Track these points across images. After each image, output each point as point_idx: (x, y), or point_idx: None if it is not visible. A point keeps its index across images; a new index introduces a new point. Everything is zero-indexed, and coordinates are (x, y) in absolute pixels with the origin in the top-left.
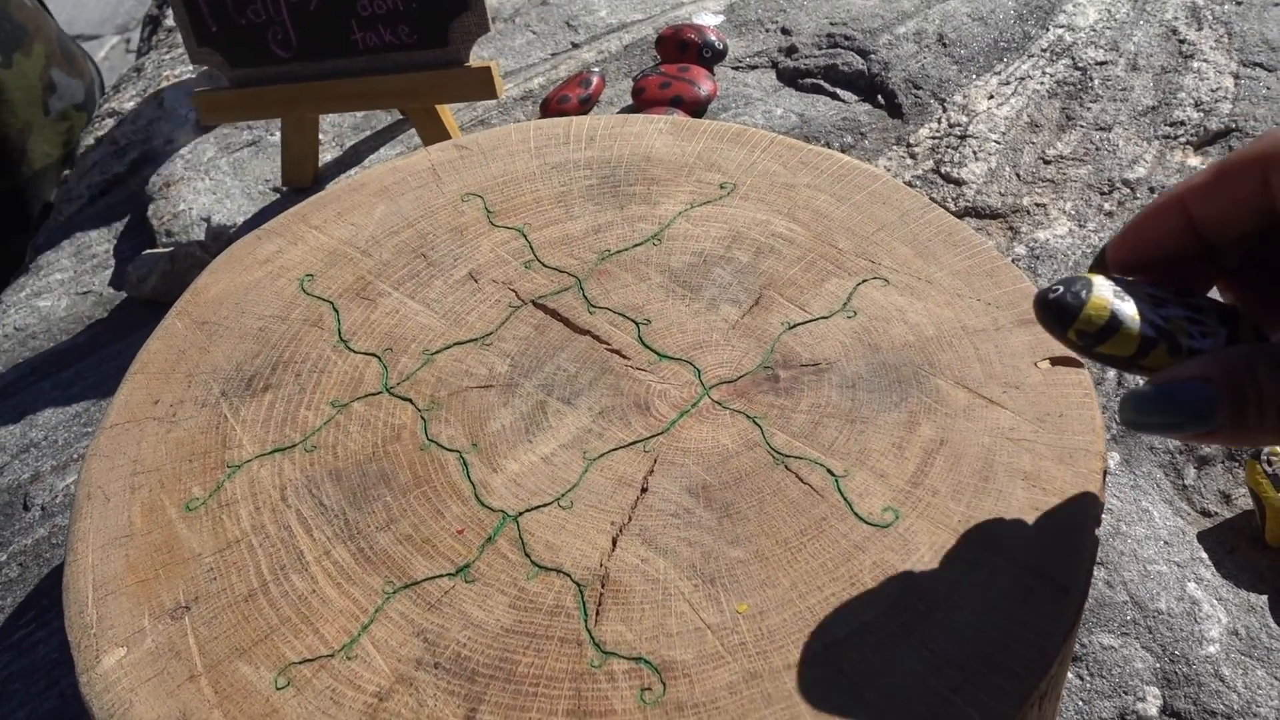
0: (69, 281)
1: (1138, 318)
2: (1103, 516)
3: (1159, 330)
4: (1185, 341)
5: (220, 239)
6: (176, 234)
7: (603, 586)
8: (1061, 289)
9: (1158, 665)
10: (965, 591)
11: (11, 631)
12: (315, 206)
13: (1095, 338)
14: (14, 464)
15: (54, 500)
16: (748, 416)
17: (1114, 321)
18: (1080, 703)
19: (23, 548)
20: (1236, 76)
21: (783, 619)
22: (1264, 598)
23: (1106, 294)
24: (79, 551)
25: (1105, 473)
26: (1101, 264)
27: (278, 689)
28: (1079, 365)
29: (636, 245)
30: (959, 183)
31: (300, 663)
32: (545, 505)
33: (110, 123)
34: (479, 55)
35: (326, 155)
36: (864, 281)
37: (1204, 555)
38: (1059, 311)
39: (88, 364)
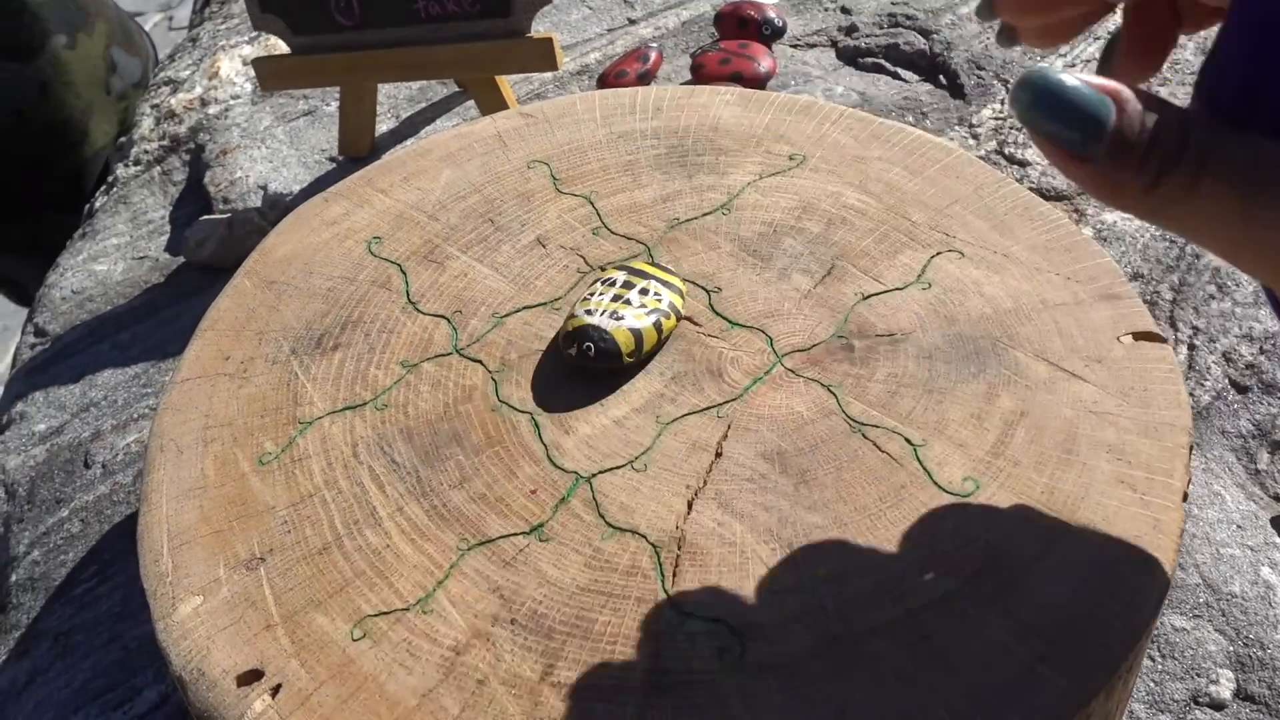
0: (125, 246)
1: None
2: None
3: None
4: None
5: (277, 206)
6: (233, 201)
7: (679, 549)
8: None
9: (1231, 648)
10: (1051, 562)
11: (73, 586)
12: (381, 171)
13: None
14: (74, 422)
15: (114, 458)
16: (822, 384)
17: None
18: (1152, 684)
19: (84, 504)
20: None
21: (864, 584)
22: None
23: None
24: (153, 502)
25: (1191, 448)
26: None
27: (354, 640)
28: (1162, 340)
29: (706, 214)
30: (1023, 164)
31: (376, 615)
32: (619, 467)
33: (166, 91)
34: (536, 28)
35: (382, 126)
36: (939, 254)
37: (1278, 540)
38: None
39: (145, 327)
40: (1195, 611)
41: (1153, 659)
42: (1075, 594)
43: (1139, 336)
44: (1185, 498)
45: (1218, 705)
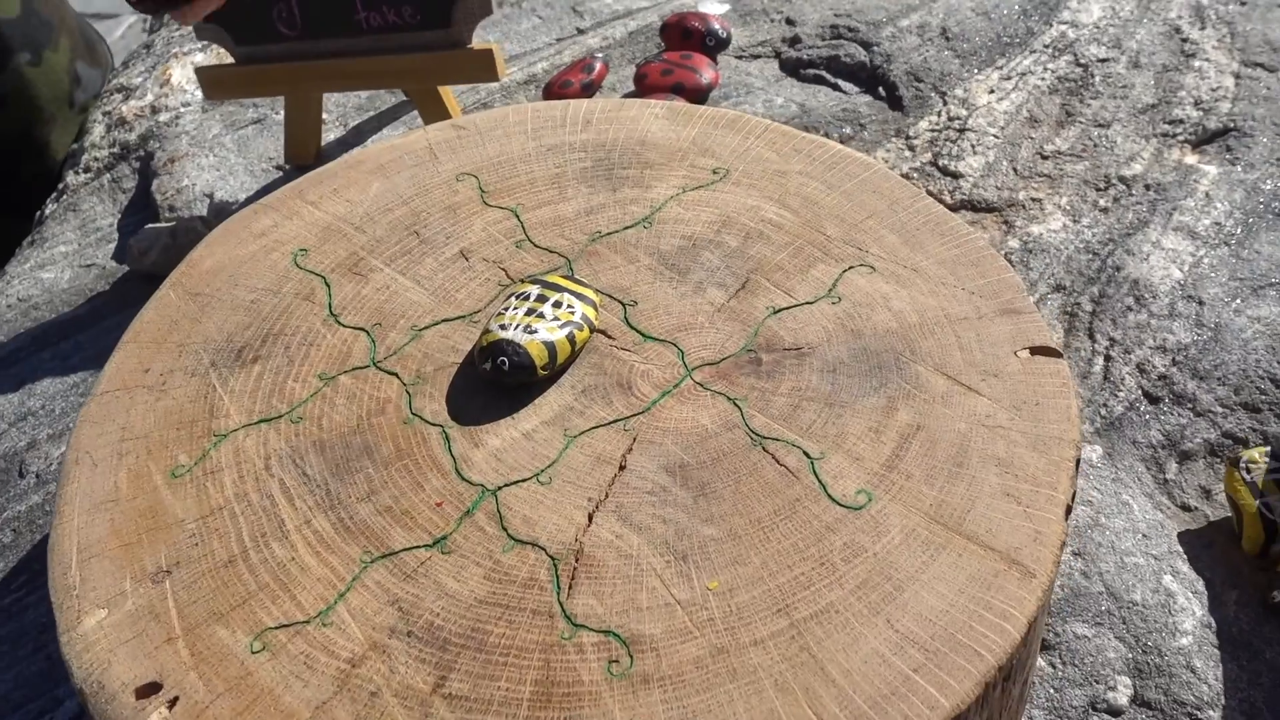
0: (73, 254)
1: None
2: (1083, 508)
3: None
4: None
5: (223, 214)
6: (179, 209)
7: (576, 561)
8: None
9: (1130, 655)
10: (933, 574)
11: (2, 596)
12: (312, 182)
13: None
14: (11, 432)
15: (49, 468)
16: (728, 398)
17: None
18: (1052, 690)
19: (16, 514)
20: (1237, 76)
21: (752, 596)
22: (1237, 594)
23: None
24: (65, 515)
25: (1078, 461)
26: None
27: (253, 653)
28: (1058, 355)
29: (627, 228)
30: (956, 175)
31: (276, 628)
32: (524, 480)
33: (118, 98)
34: (483, 38)
35: (330, 135)
36: (850, 268)
37: (1181, 550)
38: None
39: (88, 336)
40: (1097, 619)
41: (1054, 666)
42: (954, 605)
43: (1035, 351)
44: (1069, 511)
45: (1115, 712)
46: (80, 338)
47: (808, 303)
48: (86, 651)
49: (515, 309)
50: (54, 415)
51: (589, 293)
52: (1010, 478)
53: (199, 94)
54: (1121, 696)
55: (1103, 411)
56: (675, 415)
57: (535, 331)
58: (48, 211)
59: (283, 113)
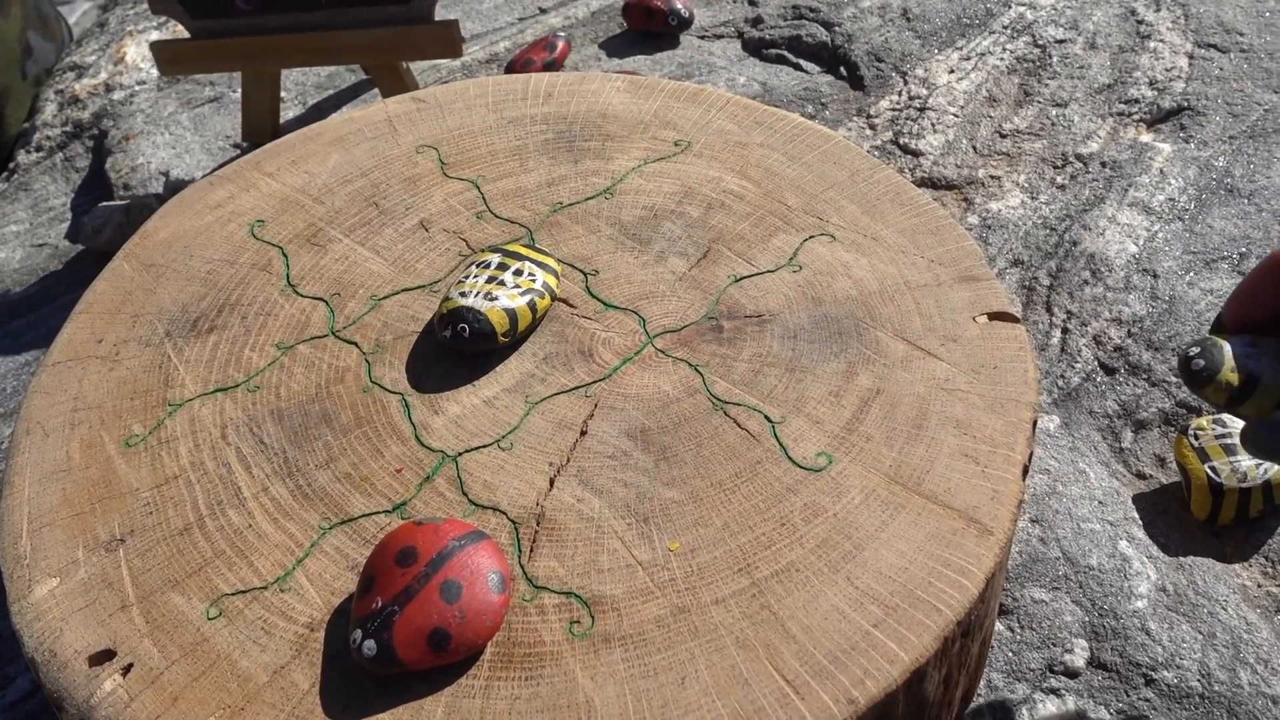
0: (24, 234)
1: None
2: (1040, 477)
3: None
4: None
5: (177, 192)
6: (134, 187)
7: (538, 524)
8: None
9: (1087, 619)
10: (893, 532)
11: None
12: (269, 154)
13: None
14: None
15: (0, 445)
16: (690, 364)
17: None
18: (1010, 654)
19: None
20: (1191, 57)
21: (713, 557)
22: (1192, 558)
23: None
24: (15, 485)
25: (1035, 422)
26: (1220, 325)
27: (209, 619)
28: (1016, 320)
29: (589, 199)
30: (916, 154)
31: (233, 594)
32: (485, 446)
33: (71, 76)
34: (444, 15)
35: (289, 113)
36: (811, 237)
37: (1137, 516)
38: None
39: (40, 314)
40: (1054, 584)
41: (1012, 630)
42: (913, 563)
43: (994, 316)
44: (1026, 471)
45: (1072, 674)
46: (32, 316)
47: (769, 271)
48: (38, 620)
49: (476, 276)
50: (4, 394)
51: (550, 261)
52: (968, 439)
53: (154, 72)
54: (1078, 659)
55: (1060, 383)
56: (637, 381)
57: (496, 299)
58: None
59: (240, 90)
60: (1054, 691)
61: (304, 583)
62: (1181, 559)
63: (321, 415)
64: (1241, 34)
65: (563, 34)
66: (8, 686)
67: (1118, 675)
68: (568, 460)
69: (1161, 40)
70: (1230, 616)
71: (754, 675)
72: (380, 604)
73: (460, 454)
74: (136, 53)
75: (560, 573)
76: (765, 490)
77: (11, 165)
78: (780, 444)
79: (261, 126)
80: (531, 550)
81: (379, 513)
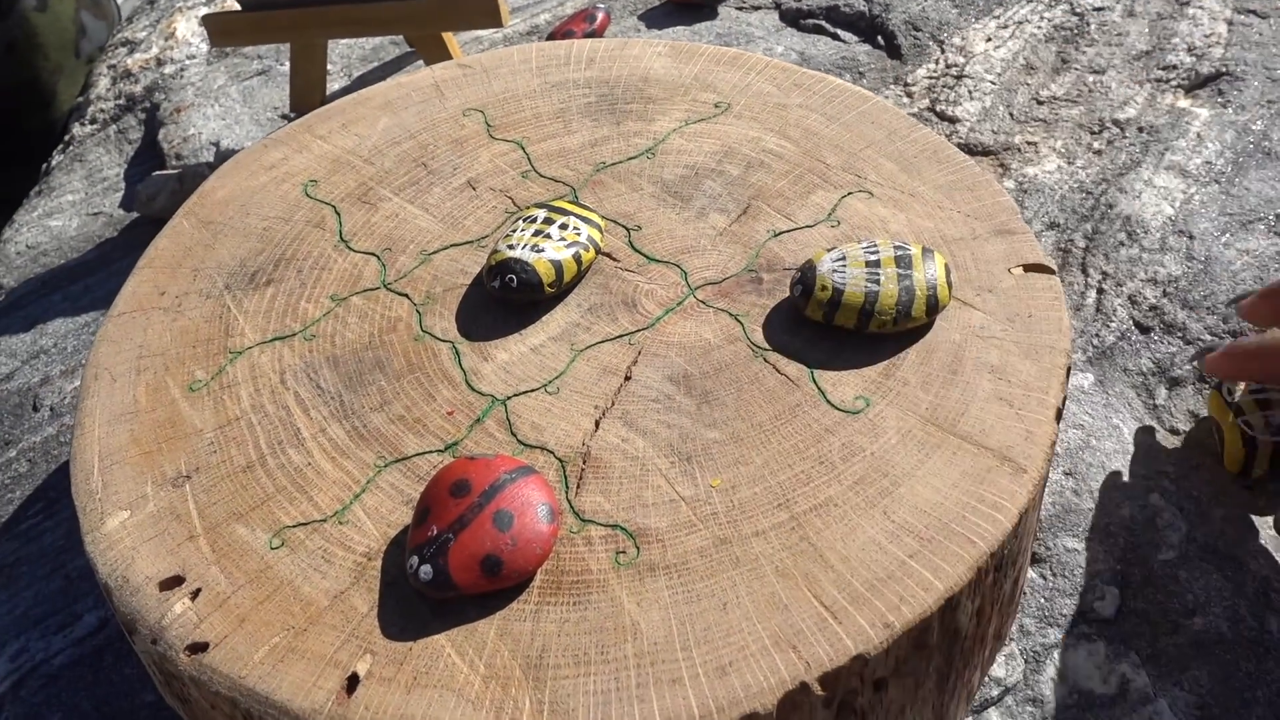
0: (80, 203)
1: None
2: (1074, 432)
3: None
4: None
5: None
6: (186, 157)
7: (584, 463)
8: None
9: (1118, 568)
10: (928, 470)
11: (20, 521)
12: (320, 118)
13: None
14: (24, 369)
15: (62, 402)
16: (730, 314)
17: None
18: (1043, 599)
19: (32, 445)
20: (1230, 23)
21: (753, 493)
22: (1224, 510)
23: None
24: (86, 426)
25: (1068, 369)
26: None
27: (273, 549)
28: (1051, 271)
29: (631, 159)
30: (953, 120)
31: (294, 526)
32: (532, 390)
33: (123, 51)
34: None
35: (335, 85)
36: (849, 194)
37: (1169, 469)
38: None
39: (97, 279)
40: (1086, 534)
41: (1044, 577)
42: (948, 498)
43: (1029, 269)
44: (1059, 415)
45: (1103, 620)
46: (89, 280)
47: (808, 226)
48: (110, 549)
49: (523, 230)
50: (65, 353)
51: (594, 217)
52: (1003, 383)
53: (204, 46)
54: (1109, 606)
55: (1095, 341)
56: (679, 330)
57: (542, 251)
58: (54, 162)
59: (287, 63)
60: (1086, 637)
61: (361, 516)
62: (1213, 511)
63: (375, 362)
64: None
65: (602, 6)
66: (75, 623)
67: (1148, 621)
68: (612, 404)
69: (1200, 7)
70: (1261, 566)
71: (793, 601)
72: (436, 531)
73: (509, 398)
74: (186, 28)
75: (606, 507)
76: (804, 431)
77: (67, 138)
78: (819, 388)
79: (309, 98)
80: (579, 487)
81: (431, 451)
